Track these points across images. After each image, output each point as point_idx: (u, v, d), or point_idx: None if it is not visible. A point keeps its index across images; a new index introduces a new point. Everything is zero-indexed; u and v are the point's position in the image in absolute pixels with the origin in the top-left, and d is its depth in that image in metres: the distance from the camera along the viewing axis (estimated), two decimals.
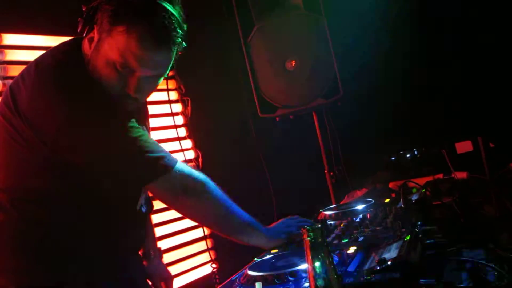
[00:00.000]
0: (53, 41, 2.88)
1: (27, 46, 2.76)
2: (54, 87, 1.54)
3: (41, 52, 2.74)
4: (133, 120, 1.64)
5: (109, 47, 1.55)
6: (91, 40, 1.60)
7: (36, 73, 1.59)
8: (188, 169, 1.70)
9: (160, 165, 1.61)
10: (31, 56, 2.77)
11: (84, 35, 1.62)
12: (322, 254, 1.19)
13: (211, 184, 1.74)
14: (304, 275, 1.42)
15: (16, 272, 1.61)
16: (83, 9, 1.59)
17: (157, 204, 1.97)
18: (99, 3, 1.56)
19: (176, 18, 1.57)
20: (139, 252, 2.01)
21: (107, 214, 1.69)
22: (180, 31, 1.58)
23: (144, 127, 1.75)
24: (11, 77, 2.66)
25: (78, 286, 1.63)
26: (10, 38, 2.70)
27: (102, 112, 1.57)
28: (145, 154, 1.59)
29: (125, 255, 1.80)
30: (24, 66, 2.65)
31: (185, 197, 1.68)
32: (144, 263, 2.08)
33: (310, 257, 1.19)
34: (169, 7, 1.55)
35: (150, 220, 2.16)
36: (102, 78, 1.60)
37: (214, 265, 3.29)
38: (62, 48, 1.69)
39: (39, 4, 2.82)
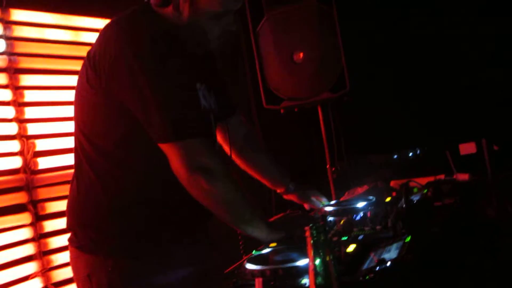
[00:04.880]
0: (62, 19, 2.87)
1: (35, 23, 2.74)
2: (117, 25, 1.68)
3: (49, 30, 2.77)
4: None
5: (208, 3, 1.68)
6: (177, 7, 1.68)
7: (110, 22, 1.72)
8: (213, 149, 1.72)
9: (185, 129, 1.59)
10: (39, 33, 2.76)
11: (158, 5, 1.71)
12: (323, 252, 1.19)
13: (227, 170, 1.70)
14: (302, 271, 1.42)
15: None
16: None
17: None
18: None
19: None
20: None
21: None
22: None
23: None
24: (18, 54, 2.65)
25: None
26: (18, 14, 2.67)
27: (160, 54, 1.61)
28: (177, 110, 1.59)
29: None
30: (30, 43, 2.69)
31: (200, 176, 1.59)
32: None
33: (312, 255, 1.19)
34: None
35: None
36: (204, 32, 1.74)
37: None
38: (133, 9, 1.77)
39: None
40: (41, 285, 2.59)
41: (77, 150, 1.76)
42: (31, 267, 2.55)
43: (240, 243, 1.79)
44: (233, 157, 2.08)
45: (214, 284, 1.67)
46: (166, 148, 1.60)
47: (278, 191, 2.25)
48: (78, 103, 1.75)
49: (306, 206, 2.25)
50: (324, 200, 2.23)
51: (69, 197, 1.81)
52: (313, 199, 2.21)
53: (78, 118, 1.76)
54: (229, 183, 1.65)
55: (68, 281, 2.67)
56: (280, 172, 2.24)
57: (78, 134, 1.75)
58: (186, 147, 1.58)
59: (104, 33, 1.69)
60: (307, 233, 1.18)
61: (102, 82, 1.62)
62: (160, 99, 1.57)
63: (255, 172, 2.19)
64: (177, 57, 1.65)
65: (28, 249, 2.57)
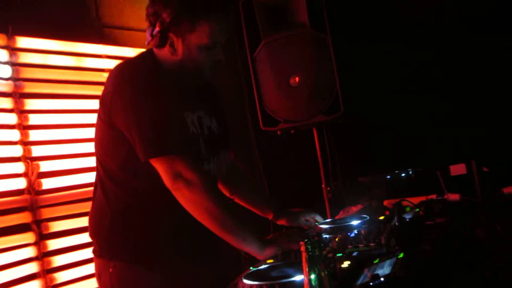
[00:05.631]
0: (65, 45, 2.95)
1: (40, 50, 2.83)
2: (118, 67, 1.95)
3: (53, 56, 2.86)
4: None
5: (198, 38, 1.89)
6: (172, 44, 1.91)
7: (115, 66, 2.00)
8: (194, 163, 1.85)
9: (166, 146, 1.82)
10: (43, 59, 2.83)
11: (156, 46, 1.94)
12: (318, 268, 1.22)
13: (211, 181, 1.93)
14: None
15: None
16: (157, 29, 1.89)
17: None
18: (162, 17, 1.88)
19: None
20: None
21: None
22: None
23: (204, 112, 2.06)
24: (23, 79, 2.72)
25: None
26: (24, 41, 2.75)
27: (152, 90, 1.87)
28: (159, 128, 1.82)
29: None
30: (35, 69, 2.77)
31: (182, 184, 1.81)
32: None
33: (307, 270, 1.23)
34: None
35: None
36: (198, 64, 1.94)
37: None
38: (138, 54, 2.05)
39: (54, 9, 2.88)
40: None
41: (96, 173, 2.05)
42: (34, 285, 2.60)
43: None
44: (220, 188, 2.27)
45: None
46: (154, 164, 1.84)
47: (269, 218, 2.36)
48: (95, 133, 2.03)
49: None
50: (319, 219, 2.30)
51: (89, 211, 2.08)
52: (304, 220, 2.30)
53: (95, 145, 2.04)
54: (208, 193, 1.83)
55: None
56: (267, 201, 2.38)
57: (96, 158, 2.03)
58: (167, 161, 1.82)
59: (108, 75, 1.96)
60: (302, 248, 1.23)
61: (106, 115, 1.90)
62: (144, 123, 1.83)
63: (241, 202, 2.35)
64: (164, 90, 1.89)
65: (32, 268, 2.61)
